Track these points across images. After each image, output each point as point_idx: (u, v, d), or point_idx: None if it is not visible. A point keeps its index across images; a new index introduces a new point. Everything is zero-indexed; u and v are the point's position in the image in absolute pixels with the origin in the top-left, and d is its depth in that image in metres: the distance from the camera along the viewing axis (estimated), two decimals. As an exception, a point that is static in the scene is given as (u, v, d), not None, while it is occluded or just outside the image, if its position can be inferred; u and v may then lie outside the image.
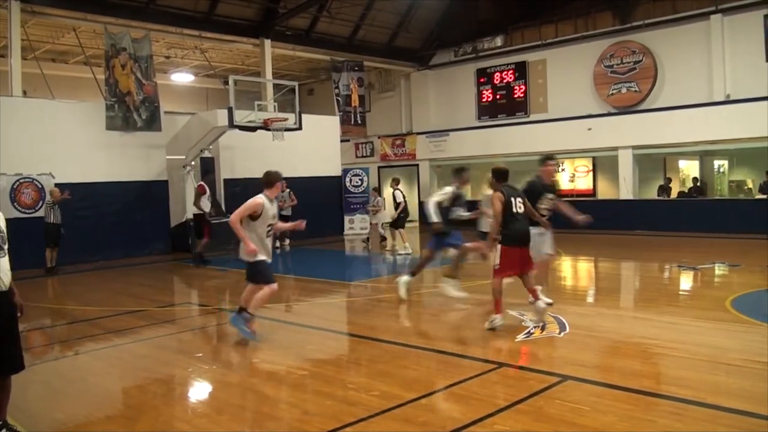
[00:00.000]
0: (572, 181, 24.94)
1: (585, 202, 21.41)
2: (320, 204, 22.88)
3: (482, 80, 26.36)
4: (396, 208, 18.38)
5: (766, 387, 6.08)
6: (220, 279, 14.79)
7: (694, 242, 18.05)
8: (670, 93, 21.38)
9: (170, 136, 19.44)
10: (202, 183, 17.38)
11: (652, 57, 21.70)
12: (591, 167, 25.04)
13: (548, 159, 10.20)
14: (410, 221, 11.13)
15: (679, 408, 5.63)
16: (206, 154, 19.51)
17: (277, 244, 16.03)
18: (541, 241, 9.69)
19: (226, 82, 19.82)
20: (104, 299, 11.72)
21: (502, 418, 5.51)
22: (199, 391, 7.07)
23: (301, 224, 9.21)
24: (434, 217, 10.40)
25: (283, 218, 15.81)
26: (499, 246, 8.48)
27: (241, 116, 17.34)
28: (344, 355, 8.32)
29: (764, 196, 20.13)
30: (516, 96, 25.39)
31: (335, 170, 24.34)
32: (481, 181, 28.86)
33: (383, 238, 20.34)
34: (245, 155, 20.14)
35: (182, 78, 28.90)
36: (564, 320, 8.92)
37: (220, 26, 22.08)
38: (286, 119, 18.09)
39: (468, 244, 10.79)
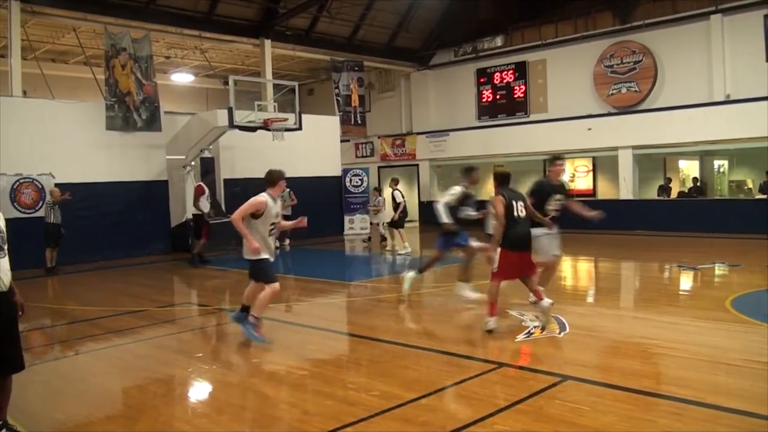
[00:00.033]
0: (572, 181, 24.92)
1: (585, 202, 21.30)
2: (320, 204, 22.87)
3: (482, 80, 26.36)
4: (395, 209, 18.38)
5: (766, 387, 6.07)
6: (220, 279, 14.79)
7: (694, 242, 18.05)
8: (670, 93, 21.38)
9: (170, 136, 19.43)
10: (200, 183, 17.41)
11: (652, 57, 21.70)
12: (591, 167, 25.06)
13: (557, 159, 10.20)
14: (410, 221, 11.15)
15: (679, 408, 5.63)
16: (206, 154, 19.50)
17: (277, 244, 15.93)
18: (549, 242, 9.69)
19: (226, 83, 19.82)
20: (104, 299, 11.72)
21: (502, 418, 5.51)
22: (199, 391, 7.07)
23: (303, 221, 9.16)
24: (444, 218, 10.40)
25: (283, 218, 15.77)
26: (499, 249, 8.48)
27: (241, 116, 17.34)
28: (344, 355, 8.32)
29: (764, 196, 20.15)
30: (516, 96, 25.39)
31: (335, 170, 24.34)
32: (483, 181, 29.03)
33: (383, 238, 20.33)
34: (245, 155, 20.15)
35: (182, 78, 28.91)
36: (564, 320, 8.92)
37: (220, 26, 22.08)
38: (286, 119, 18.08)
39: (475, 244, 10.78)
